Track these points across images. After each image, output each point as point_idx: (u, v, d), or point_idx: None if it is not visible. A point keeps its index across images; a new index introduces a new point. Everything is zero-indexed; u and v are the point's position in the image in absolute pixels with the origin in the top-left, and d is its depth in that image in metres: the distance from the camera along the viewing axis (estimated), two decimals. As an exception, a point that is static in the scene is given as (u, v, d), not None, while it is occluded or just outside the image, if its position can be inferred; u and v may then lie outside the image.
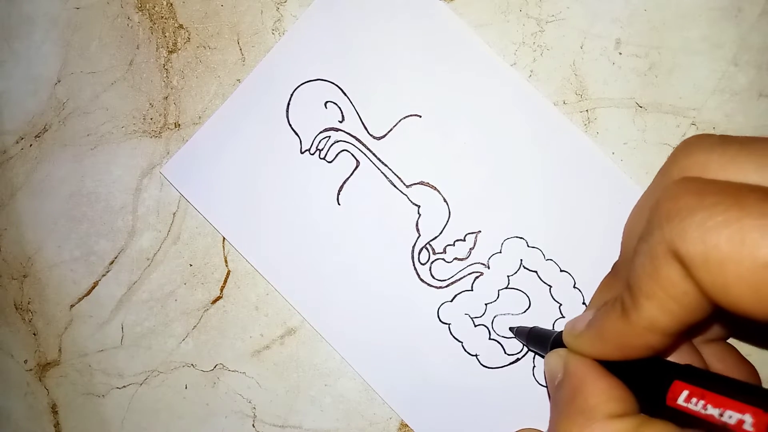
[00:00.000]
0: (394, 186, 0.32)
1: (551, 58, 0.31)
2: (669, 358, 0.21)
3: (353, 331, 0.32)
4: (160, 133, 0.34)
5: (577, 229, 0.31)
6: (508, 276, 0.31)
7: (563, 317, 0.31)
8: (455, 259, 0.32)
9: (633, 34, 0.30)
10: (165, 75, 0.34)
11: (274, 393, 0.33)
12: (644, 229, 0.17)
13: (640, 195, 0.21)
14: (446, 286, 0.32)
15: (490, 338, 0.31)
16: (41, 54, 0.35)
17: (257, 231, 0.33)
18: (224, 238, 0.34)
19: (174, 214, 0.34)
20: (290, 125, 0.33)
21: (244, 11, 0.33)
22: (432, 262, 0.32)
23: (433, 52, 0.32)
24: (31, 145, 0.35)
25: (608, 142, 0.31)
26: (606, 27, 0.31)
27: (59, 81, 0.35)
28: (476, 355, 0.31)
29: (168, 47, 0.34)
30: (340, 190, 0.33)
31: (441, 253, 0.32)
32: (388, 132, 0.32)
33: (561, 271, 0.31)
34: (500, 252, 0.31)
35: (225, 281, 0.34)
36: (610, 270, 0.24)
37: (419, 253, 0.32)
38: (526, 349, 0.31)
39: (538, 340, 0.27)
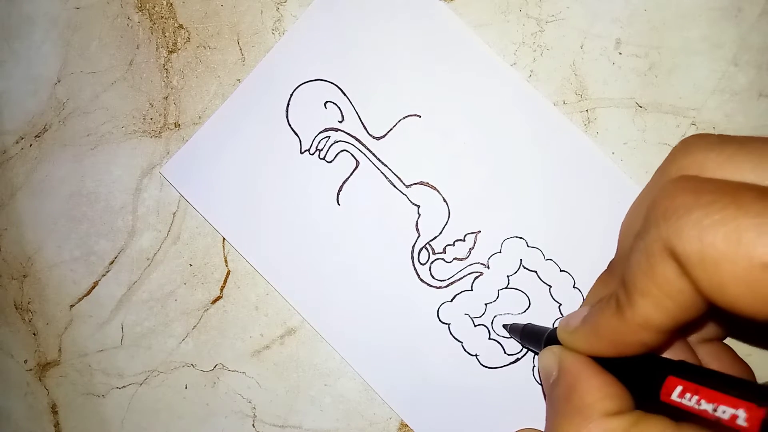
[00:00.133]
0: (394, 186, 0.32)
1: (551, 58, 0.31)
2: (663, 356, 0.21)
3: (353, 331, 0.32)
4: (160, 133, 0.34)
5: (577, 229, 0.31)
6: (507, 276, 0.31)
7: (563, 317, 0.31)
8: (455, 259, 0.32)
9: (633, 34, 0.30)
10: (165, 75, 0.34)
11: (274, 393, 0.33)
12: (641, 227, 0.17)
13: (635, 199, 0.21)
14: (446, 286, 0.32)
15: (489, 338, 0.31)
16: (41, 54, 0.35)
17: (257, 231, 0.33)
18: (224, 238, 0.34)
19: (174, 214, 0.34)
20: (290, 125, 0.33)
21: (244, 11, 0.33)
22: (432, 262, 0.32)
23: (433, 52, 0.32)
24: (31, 145, 0.35)
25: (608, 142, 0.31)
26: (606, 27, 0.31)
27: (59, 81, 0.35)
28: (476, 355, 0.31)
29: (168, 47, 0.34)
30: (339, 190, 0.33)
31: (441, 253, 0.32)
32: (388, 132, 0.32)
33: (561, 271, 0.31)
34: (500, 252, 0.31)
35: (225, 281, 0.34)
36: (606, 267, 0.24)
37: (419, 253, 0.32)
38: (526, 349, 0.31)
39: (532, 337, 0.27)
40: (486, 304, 0.31)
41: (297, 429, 0.33)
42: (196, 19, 0.34)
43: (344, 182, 0.32)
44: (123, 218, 0.35)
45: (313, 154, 0.33)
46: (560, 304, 0.31)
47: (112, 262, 0.35)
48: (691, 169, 0.17)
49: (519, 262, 0.31)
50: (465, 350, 0.31)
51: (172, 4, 0.34)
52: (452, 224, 0.32)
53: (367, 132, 0.32)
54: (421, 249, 0.32)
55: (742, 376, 0.22)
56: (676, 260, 0.15)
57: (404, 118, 0.32)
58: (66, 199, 0.35)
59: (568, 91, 0.31)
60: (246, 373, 0.34)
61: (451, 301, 0.32)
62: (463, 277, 0.31)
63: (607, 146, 0.31)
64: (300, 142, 0.33)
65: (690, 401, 0.16)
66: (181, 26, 0.34)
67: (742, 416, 0.15)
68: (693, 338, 0.23)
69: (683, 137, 0.30)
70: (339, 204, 0.33)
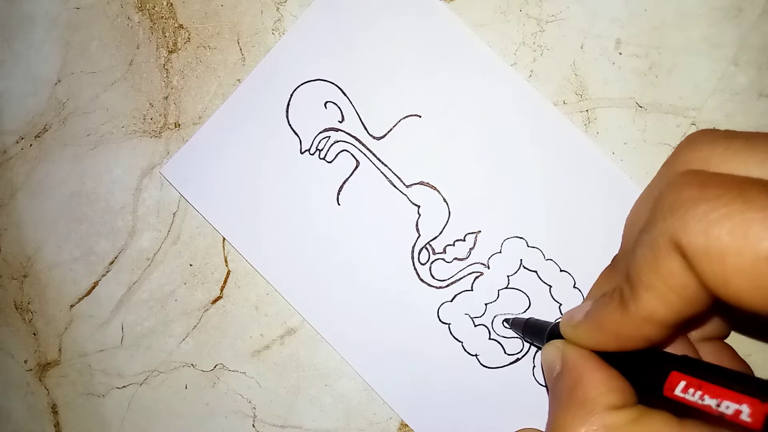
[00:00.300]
0: (394, 186, 0.32)
1: (551, 58, 0.31)
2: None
3: (353, 331, 0.32)
4: (160, 133, 0.34)
5: (577, 229, 0.31)
6: (508, 276, 0.31)
7: (566, 311, 0.31)
8: (455, 259, 0.32)
9: (633, 34, 0.30)
10: (165, 75, 0.34)
11: (274, 393, 0.33)
12: (646, 221, 0.17)
13: (640, 195, 0.21)
14: (446, 286, 0.32)
15: (490, 338, 0.31)
16: (41, 54, 0.35)
17: (257, 231, 0.33)
18: (224, 238, 0.34)
19: (174, 214, 0.34)
20: (290, 125, 0.33)
21: (244, 11, 0.33)
22: (432, 262, 0.32)
23: (433, 52, 0.32)
24: (31, 145, 0.35)
25: (608, 142, 0.31)
26: (606, 27, 0.31)
27: (59, 81, 0.35)
28: (476, 355, 0.31)
29: (168, 47, 0.34)
30: (340, 190, 0.33)
31: (441, 253, 0.32)
32: (388, 132, 0.32)
33: (561, 271, 0.31)
34: (500, 252, 0.31)
35: (225, 281, 0.34)
36: (610, 262, 0.24)
37: (419, 253, 0.32)
38: (526, 349, 0.31)
39: (534, 332, 0.27)
40: (486, 304, 0.31)
41: (297, 429, 0.33)
42: (196, 19, 0.34)
43: (344, 182, 0.32)
44: (123, 218, 0.35)
45: (313, 154, 0.33)
46: (560, 304, 0.31)
47: (112, 262, 0.35)
48: (697, 163, 0.17)
49: (519, 262, 0.31)
50: (465, 350, 0.31)
51: (172, 4, 0.34)
52: (452, 224, 0.32)
53: (368, 132, 0.32)
54: (422, 249, 0.32)
55: None
56: (682, 254, 0.15)
57: (404, 118, 0.32)
58: (66, 199, 0.35)
59: (568, 91, 0.31)
60: (246, 373, 0.34)
61: (452, 301, 0.32)
62: (464, 277, 0.31)
63: (607, 146, 0.31)
64: (300, 142, 0.33)
65: (693, 396, 0.16)
66: (181, 26, 0.34)
67: (745, 411, 0.15)
68: (694, 337, 0.23)
69: (684, 137, 0.30)
70: (339, 204, 0.33)
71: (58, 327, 0.35)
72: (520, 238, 0.31)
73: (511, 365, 0.31)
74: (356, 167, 0.32)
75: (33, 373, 0.36)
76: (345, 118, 0.32)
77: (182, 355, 0.34)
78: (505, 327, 0.31)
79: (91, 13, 0.35)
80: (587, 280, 0.30)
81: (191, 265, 0.34)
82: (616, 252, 0.23)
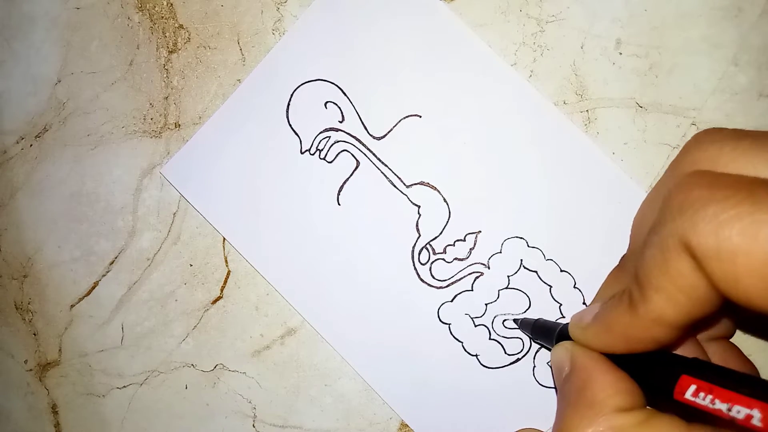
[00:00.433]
0: (394, 186, 0.32)
1: (551, 58, 0.31)
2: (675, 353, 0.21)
3: (353, 331, 0.32)
4: (160, 133, 0.34)
5: (577, 229, 0.31)
6: (508, 276, 0.31)
7: (563, 317, 0.31)
8: (455, 259, 0.32)
9: (633, 34, 0.30)
10: (165, 75, 0.34)
11: (275, 393, 0.33)
12: (655, 221, 0.17)
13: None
14: (446, 286, 0.32)
15: (490, 338, 0.31)
16: (41, 54, 0.35)
17: (257, 231, 0.33)
18: (224, 238, 0.34)
19: (174, 214, 0.34)
20: (290, 125, 0.33)
21: (244, 11, 0.33)
22: (432, 262, 0.32)
23: (433, 52, 0.32)
24: (31, 145, 0.35)
25: (608, 142, 0.31)
26: (606, 27, 0.31)
27: (59, 81, 0.35)
28: (476, 355, 0.31)
29: (168, 47, 0.34)
30: (340, 191, 0.33)
31: (441, 253, 0.32)
32: (388, 132, 0.32)
33: (561, 271, 0.31)
34: (500, 252, 0.31)
35: (225, 281, 0.34)
36: (617, 263, 0.24)
37: (419, 253, 0.32)
38: (526, 349, 0.31)
39: (543, 332, 0.27)
40: (486, 304, 0.31)
41: (297, 429, 0.33)
42: (196, 19, 0.34)
43: (345, 182, 0.32)
44: (123, 218, 0.35)
45: (313, 154, 0.33)
46: (561, 305, 0.31)
47: (112, 262, 0.35)
48: (705, 163, 0.17)
49: (519, 262, 0.31)
50: (465, 350, 0.31)
51: (172, 4, 0.34)
52: (453, 224, 0.32)
53: (368, 132, 0.32)
54: (422, 249, 0.32)
55: None
56: (691, 254, 0.15)
57: (405, 118, 0.32)
58: (66, 199, 0.35)
59: (568, 91, 0.31)
60: (246, 373, 0.34)
61: (452, 301, 0.32)
62: (464, 277, 0.31)
63: (607, 146, 0.31)
64: (300, 142, 0.33)
65: (704, 400, 0.16)
66: (181, 26, 0.34)
67: (757, 416, 0.15)
68: (700, 336, 0.23)
69: (684, 137, 0.30)
70: (339, 204, 0.33)
71: (58, 327, 0.35)
72: (521, 238, 0.31)
73: (512, 365, 0.31)
74: (356, 167, 0.32)
75: (33, 373, 0.36)
76: (345, 118, 0.32)
77: (182, 355, 0.34)
78: (506, 328, 0.31)
79: (91, 13, 0.35)
80: (587, 281, 0.30)
81: (191, 265, 0.34)
82: (618, 252, 0.23)
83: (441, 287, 0.32)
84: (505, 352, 0.31)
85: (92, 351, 0.35)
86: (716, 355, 0.22)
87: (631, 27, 0.30)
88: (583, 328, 0.21)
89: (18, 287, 0.36)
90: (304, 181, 0.33)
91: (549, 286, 0.31)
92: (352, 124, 0.32)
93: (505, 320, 0.31)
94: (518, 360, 0.31)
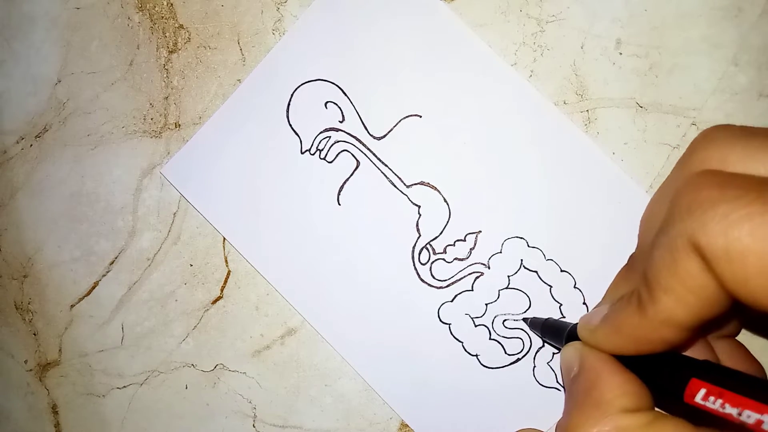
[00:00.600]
0: (395, 186, 0.32)
1: (551, 58, 0.31)
2: (684, 354, 0.20)
3: (353, 331, 0.32)
4: (160, 133, 0.34)
5: (577, 229, 0.31)
6: (508, 276, 0.31)
7: (564, 317, 0.31)
8: (455, 259, 0.32)
9: (633, 34, 0.30)
10: (165, 75, 0.34)
11: (275, 393, 0.33)
12: (663, 221, 0.17)
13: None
14: (446, 286, 0.32)
15: (490, 338, 0.31)
16: (41, 54, 0.35)
17: (257, 231, 0.33)
18: (224, 238, 0.34)
19: (174, 214, 0.34)
20: (290, 125, 0.33)
21: (244, 11, 0.33)
22: (432, 262, 0.32)
23: (433, 52, 0.32)
24: (31, 145, 0.35)
25: (608, 142, 0.31)
26: (606, 27, 0.31)
27: (59, 81, 0.35)
28: (476, 355, 0.31)
29: (168, 47, 0.34)
30: (340, 191, 0.33)
31: (441, 253, 0.32)
32: (389, 132, 0.32)
33: (561, 271, 0.31)
34: (500, 252, 0.31)
35: (225, 281, 0.34)
36: (626, 262, 0.23)
37: (419, 253, 0.32)
38: (526, 349, 0.31)
39: (553, 332, 0.27)
40: (487, 305, 0.31)
41: (297, 429, 0.33)
42: (196, 19, 0.34)
43: (345, 182, 0.32)
44: (123, 218, 0.35)
45: (313, 154, 0.33)
46: (561, 305, 0.31)
47: (112, 262, 0.35)
48: (714, 161, 0.17)
49: (520, 262, 0.31)
50: (465, 350, 0.31)
51: (172, 4, 0.34)
52: (453, 224, 0.32)
53: (368, 132, 0.32)
54: (422, 249, 0.32)
55: (756, 374, 0.22)
56: (701, 255, 0.15)
57: (405, 118, 0.32)
58: (66, 199, 0.35)
59: (568, 91, 0.31)
60: (246, 373, 0.34)
61: (452, 301, 0.32)
62: (464, 277, 0.32)
63: (607, 146, 0.31)
64: (300, 142, 0.33)
65: (714, 404, 0.16)
66: (181, 26, 0.34)
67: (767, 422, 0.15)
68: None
69: (684, 137, 0.30)
70: (339, 204, 0.33)
71: (58, 327, 0.35)
72: (521, 238, 0.31)
73: (512, 365, 0.31)
74: (357, 167, 0.32)
75: (33, 373, 0.36)
76: (345, 118, 0.32)
77: (182, 355, 0.34)
78: (506, 328, 0.31)
79: (91, 13, 0.35)
80: (588, 281, 0.30)
81: (191, 265, 0.34)
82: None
83: (441, 287, 0.32)
84: (505, 352, 0.31)
85: (92, 351, 0.35)
86: (724, 354, 0.22)
87: (631, 27, 0.30)
88: (591, 330, 0.21)
89: (18, 287, 0.36)
90: (305, 181, 0.33)
91: (549, 286, 0.31)
92: (352, 124, 0.32)
93: (505, 320, 0.31)
94: (518, 360, 0.31)
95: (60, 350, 0.35)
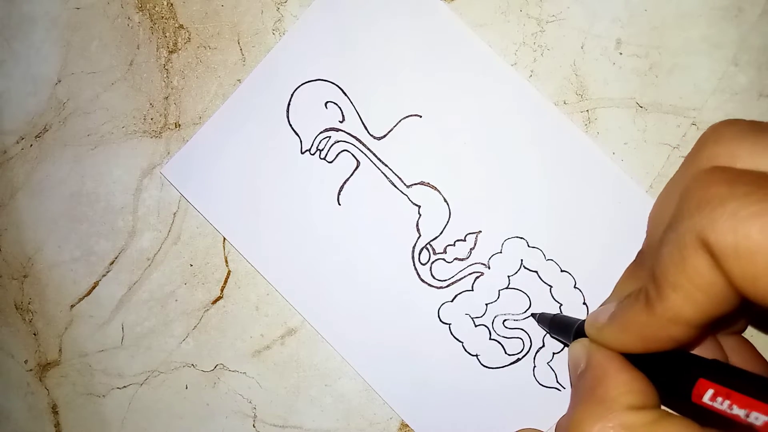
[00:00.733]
0: (395, 186, 0.32)
1: (552, 58, 0.31)
2: (692, 352, 0.20)
3: (353, 331, 0.32)
4: (160, 133, 0.34)
5: (577, 229, 0.31)
6: (508, 276, 0.31)
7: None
8: (456, 259, 0.32)
9: (633, 34, 0.30)
10: (165, 75, 0.34)
11: (275, 393, 0.33)
12: (672, 218, 0.17)
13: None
14: (447, 286, 0.32)
15: (490, 338, 0.31)
16: (41, 54, 0.35)
17: (257, 231, 0.33)
18: (224, 238, 0.34)
19: (174, 214, 0.34)
20: (290, 125, 0.33)
21: (244, 11, 0.33)
22: (432, 262, 0.32)
23: (433, 52, 0.32)
24: (31, 145, 0.35)
25: (608, 142, 0.31)
26: (606, 27, 0.31)
27: (59, 81, 0.35)
28: (477, 355, 0.31)
29: (168, 47, 0.34)
30: (340, 191, 0.33)
31: (441, 253, 0.32)
32: (389, 132, 0.32)
33: (561, 271, 0.31)
34: (501, 252, 0.31)
35: (225, 281, 0.34)
36: (634, 258, 0.23)
37: (420, 253, 0.32)
38: (526, 349, 0.31)
39: (561, 328, 0.27)
40: (487, 305, 0.31)
41: (297, 429, 0.33)
42: (196, 19, 0.34)
43: (345, 182, 0.32)
44: (123, 218, 0.35)
45: (313, 154, 0.33)
46: (561, 305, 0.31)
47: (112, 262, 0.35)
48: (723, 158, 0.17)
49: (520, 262, 0.31)
50: (466, 350, 0.31)
51: (172, 4, 0.34)
52: (453, 224, 0.32)
53: (368, 132, 0.32)
54: (422, 249, 0.32)
55: (762, 372, 0.22)
56: (710, 252, 0.15)
57: (405, 118, 0.32)
58: (66, 199, 0.35)
59: (568, 91, 0.31)
60: (246, 373, 0.34)
61: (452, 301, 0.32)
62: (464, 277, 0.31)
63: (607, 146, 0.31)
64: (300, 142, 0.33)
65: (721, 405, 0.16)
66: (181, 26, 0.34)
67: None
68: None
69: (684, 138, 0.30)
70: (340, 204, 0.33)
71: (59, 327, 0.35)
72: (521, 238, 0.31)
73: (512, 365, 0.31)
74: (357, 167, 0.32)
75: (33, 373, 0.36)
76: (345, 118, 0.32)
77: (182, 355, 0.34)
78: (507, 328, 0.31)
79: (91, 13, 0.35)
80: (588, 281, 0.30)
81: (191, 265, 0.34)
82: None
83: (441, 287, 0.32)
84: (506, 352, 0.31)
85: (92, 351, 0.35)
86: (731, 352, 0.22)
87: (631, 27, 0.30)
88: (599, 328, 0.21)
89: (18, 287, 0.36)
90: (305, 181, 0.33)
91: (549, 286, 0.31)
92: (352, 124, 0.32)
93: (505, 320, 0.31)
94: (518, 360, 0.31)
95: (60, 350, 0.35)
